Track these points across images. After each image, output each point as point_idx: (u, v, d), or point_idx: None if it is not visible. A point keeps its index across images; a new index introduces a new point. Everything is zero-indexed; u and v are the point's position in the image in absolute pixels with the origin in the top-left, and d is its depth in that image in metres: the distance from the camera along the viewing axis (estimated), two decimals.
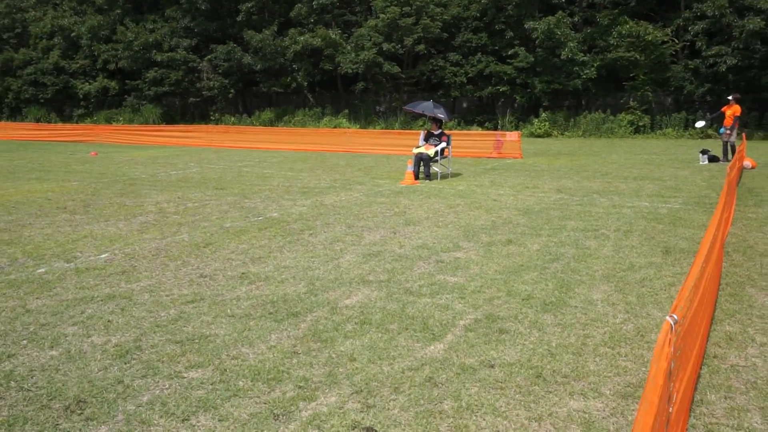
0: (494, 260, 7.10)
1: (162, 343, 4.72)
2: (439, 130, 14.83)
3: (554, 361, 4.38)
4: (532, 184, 13.53)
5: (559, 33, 29.74)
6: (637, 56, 29.05)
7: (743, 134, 17.98)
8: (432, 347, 4.61)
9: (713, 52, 27.90)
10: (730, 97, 17.65)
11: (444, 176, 14.86)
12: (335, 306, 5.53)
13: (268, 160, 19.60)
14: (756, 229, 8.79)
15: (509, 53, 31.78)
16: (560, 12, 30.34)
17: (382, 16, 32.52)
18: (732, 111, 17.75)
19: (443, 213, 10.12)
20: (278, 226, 9.08)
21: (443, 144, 14.59)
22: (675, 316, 2.73)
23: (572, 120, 31.59)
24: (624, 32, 28.94)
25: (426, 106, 15.13)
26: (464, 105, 36.58)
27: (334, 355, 4.46)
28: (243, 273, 6.60)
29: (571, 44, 29.85)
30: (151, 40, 38.46)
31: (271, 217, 9.76)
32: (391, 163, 18.60)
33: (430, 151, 14.41)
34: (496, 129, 31.18)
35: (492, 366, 4.29)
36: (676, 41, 29.94)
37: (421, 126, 31.64)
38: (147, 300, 5.74)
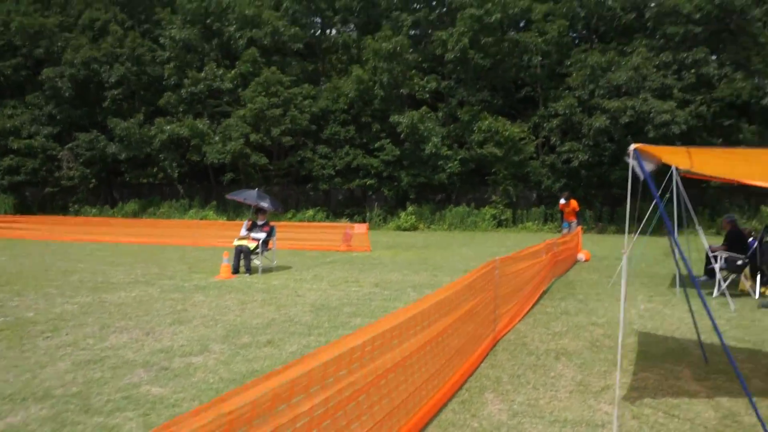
0: (232, 365, 6.25)
1: None
2: (264, 221, 14.08)
3: None
4: (354, 278, 12.88)
5: (422, 127, 30.22)
6: (498, 152, 29.81)
7: (579, 227, 18.44)
8: None
9: (566, 148, 29.05)
10: (563, 200, 18.67)
11: (267, 269, 13.98)
12: None
13: (96, 254, 18.06)
14: (543, 325, 8.39)
15: (376, 146, 31.95)
16: (424, 107, 30.98)
17: (249, 105, 32.12)
18: (572, 207, 18.71)
19: (227, 311, 9.20)
20: (17, 328, 7.87)
21: (266, 235, 13.81)
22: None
23: (438, 213, 31.78)
24: (484, 128, 29.77)
25: (249, 195, 14.44)
26: (339, 197, 36.29)
27: None
28: None
29: (435, 139, 30.32)
30: (8, 126, 36.36)
31: (21, 317, 8.52)
32: (231, 255, 17.57)
33: (252, 243, 13.61)
34: (365, 222, 30.85)
35: None
36: (534, 137, 31.08)
37: (290, 218, 31.07)
38: None
